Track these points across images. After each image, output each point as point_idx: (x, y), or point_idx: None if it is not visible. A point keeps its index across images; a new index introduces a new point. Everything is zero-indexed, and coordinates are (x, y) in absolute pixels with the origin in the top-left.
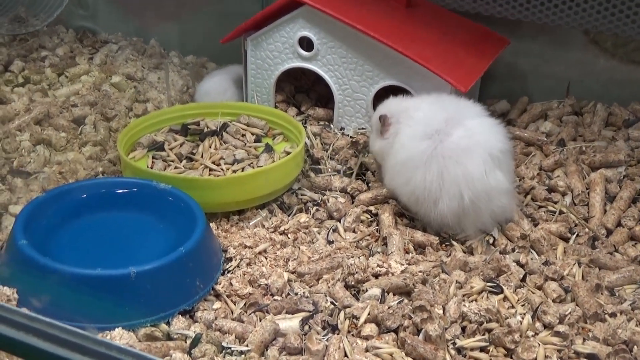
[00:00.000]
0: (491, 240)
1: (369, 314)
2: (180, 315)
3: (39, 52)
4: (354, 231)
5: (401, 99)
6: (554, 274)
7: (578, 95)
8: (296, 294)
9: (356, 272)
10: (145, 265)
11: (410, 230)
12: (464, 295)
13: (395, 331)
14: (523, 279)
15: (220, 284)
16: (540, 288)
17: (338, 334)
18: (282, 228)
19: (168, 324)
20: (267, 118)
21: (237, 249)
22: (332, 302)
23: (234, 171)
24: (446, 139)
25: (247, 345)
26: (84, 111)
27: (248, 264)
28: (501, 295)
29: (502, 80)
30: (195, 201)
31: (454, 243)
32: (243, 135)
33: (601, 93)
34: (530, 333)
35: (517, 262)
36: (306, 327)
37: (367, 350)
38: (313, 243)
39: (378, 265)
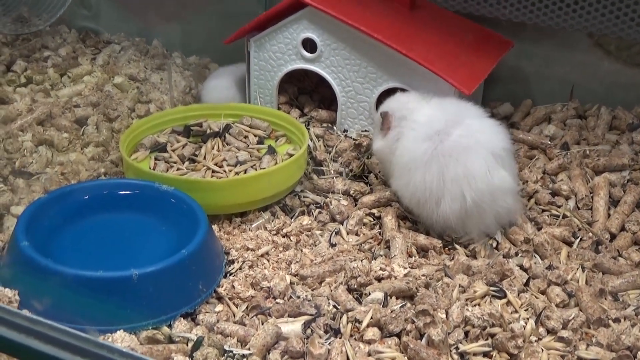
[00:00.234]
0: (494, 244)
1: (371, 318)
2: (182, 318)
3: (41, 52)
4: (356, 234)
5: (405, 97)
6: (557, 278)
7: (582, 98)
8: (298, 297)
9: (359, 276)
10: (147, 267)
11: (413, 233)
12: (467, 300)
13: (398, 335)
14: (526, 284)
15: (222, 287)
16: (543, 293)
17: (340, 338)
18: (284, 230)
19: (170, 326)
20: (270, 120)
21: (239, 252)
22: (334, 306)
23: (237, 173)
24: (446, 138)
25: (249, 349)
26: (86, 112)
27: (250, 267)
28: (504, 300)
29: (506, 83)
30: (198, 203)
31: (457, 247)
32: (246, 137)
33: (605, 96)
34: (533, 338)
35: (521, 266)
36: (308, 331)
37: (369, 355)
38: (315, 246)
39: (381, 269)
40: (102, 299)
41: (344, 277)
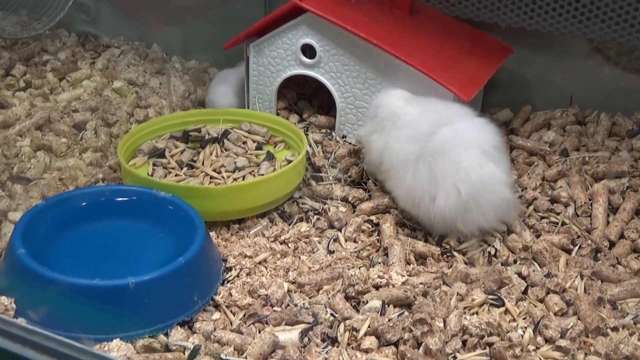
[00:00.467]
0: (493, 252)
1: (369, 327)
2: (178, 326)
3: (40, 56)
4: (354, 241)
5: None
6: (556, 286)
7: (582, 104)
8: (296, 305)
9: (356, 284)
10: (144, 275)
11: (411, 240)
12: (465, 308)
13: (395, 344)
14: (525, 292)
15: (219, 294)
16: (542, 301)
17: (338, 347)
18: (282, 237)
19: (166, 335)
20: (269, 125)
21: (237, 259)
22: (332, 314)
23: (235, 179)
24: (433, 137)
25: (245, 357)
26: (85, 116)
27: (248, 274)
28: (502, 308)
29: (506, 89)
30: (196, 210)
31: (455, 254)
32: (244, 143)
33: (605, 102)
34: (531, 347)
35: (519, 274)
36: (305, 339)
37: None
38: (313, 253)
39: (379, 277)
40: (98, 308)
41: (342, 284)
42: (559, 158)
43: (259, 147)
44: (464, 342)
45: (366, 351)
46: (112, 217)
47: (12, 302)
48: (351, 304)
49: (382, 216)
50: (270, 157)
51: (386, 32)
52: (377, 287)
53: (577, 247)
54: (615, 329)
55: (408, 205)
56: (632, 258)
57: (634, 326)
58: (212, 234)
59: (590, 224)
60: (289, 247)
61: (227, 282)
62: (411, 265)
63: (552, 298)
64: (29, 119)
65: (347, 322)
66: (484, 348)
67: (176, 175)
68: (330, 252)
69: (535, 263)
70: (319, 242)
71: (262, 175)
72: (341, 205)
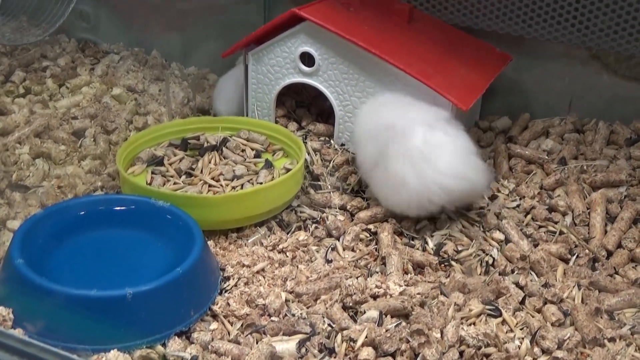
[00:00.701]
0: (490, 261)
1: (366, 337)
2: (176, 337)
3: (40, 62)
4: (352, 250)
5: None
6: (553, 296)
7: (580, 112)
8: (293, 315)
9: (354, 293)
10: (142, 286)
11: (409, 249)
12: (462, 318)
13: (393, 355)
14: (522, 302)
15: (217, 304)
16: (539, 311)
17: (335, 358)
18: (280, 246)
19: (164, 345)
20: (267, 133)
21: (235, 268)
22: (329, 324)
23: (234, 187)
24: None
25: None
26: (84, 124)
27: (246, 284)
28: (500, 319)
29: (504, 96)
30: (194, 219)
31: (453, 263)
32: (243, 151)
33: (604, 110)
34: (528, 359)
35: (517, 284)
36: (303, 350)
37: None
38: (311, 262)
39: (376, 286)
40: (96, 318)
41: (340, 294)
42: (557, 167)
43: (257, 155)
44: (461, 353)
45: None
46: (110, 226)
47: (10, 313)
48: (349, 314)
49: (380, 225)
50: (268, 165)
51: (385, 41)
52: (374, 297)
53: (574, 256)
54: (612, 340)
55: (389, 199)
56: (630, 268)
57: (631, 337)
58: (210, 242)
59: (588, 233)
60: (287, 256)
61: (225, 292)
62: (409, 274)
63: (549, 308)
64: (28, 126)
65: (345, 332)
66: (481, 359)
67: (175, 183)
68: (328, 261)
69: (532, 273)
70: (317, 251)
71: (261, 183)
72: (339, 213)
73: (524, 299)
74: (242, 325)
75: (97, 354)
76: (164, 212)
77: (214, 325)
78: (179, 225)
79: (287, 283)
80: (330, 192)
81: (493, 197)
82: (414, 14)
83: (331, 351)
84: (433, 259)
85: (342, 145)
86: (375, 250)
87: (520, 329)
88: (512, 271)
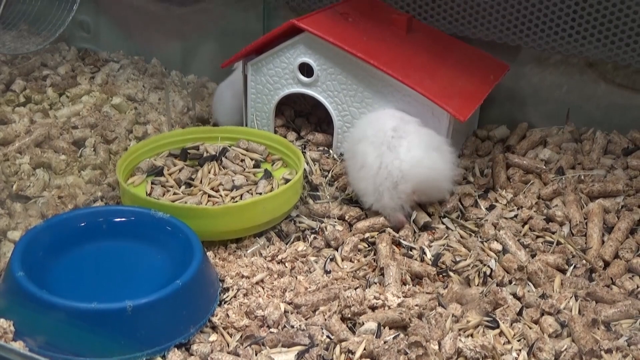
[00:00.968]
0: (488, 272)
1: (364, 349)
2: (176, 349)
3: (40, 70)
4: (351, 260)
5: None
6: (550, 308)
7: (578, 120)
8: (292, 327)
9: (352, 305)
10: (141, 299)
11: (407, 260)
12: (460, 330)
13: None
14: (519, 313)
15: (216, 316)
16: (536, 322)
17: None
18: (279, 257)
19: (164, 357)
20: (266, 143)
21: (234, 279)
22: (328, 336)
23: (233, 198)
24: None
25: None
26: (84, 133)
27: (245, 295)
28: (497, 330)
29: (502, 105)
30: (193, 231)
31: (451, 274)
32: (242, 161)
33: (601, 119)
34: None
35: (514, 295)
36: None
37: None
38: (310, 273)
39: (375, 298)
40: (96, 331)
41: (338, 306)
42: (554, 176)
43: (256, 165)
44: None
45: None
46: (110, 237)
47: (11, 325)
48: (347, 326)
49: (379, 236)
50: (267, 175)
51: (383, 51)
52: (373, 308)
53: (572, 267)
54: (609, 351)
55: (368, 196)
56: (627, 278)
57: (628, 348)
58: (210, 253)
59: (585, 243)
60: (286, 267)
61: (224, 303)
62: (407, 285)
63: (546, 319)
64: (28, 135)
65: (343, 344)
66: None
67: (174, 193)
68: (327, 272)
69: (530, 283)
70: (316, 262)
71: (260, 194)
72: (338, 224)
73: (521, 310)
74: (241, 336)
75: None
76: (164, 223)
77: (213, 336)
78: (178, 237)
79: (286, 294)
80: (329, 202)
81: (491, 207)
82: (412, 24)
83: None
84: (431, 270)
85: (341, 155)
86: (374, 260)
87: (518, 341)
88: (510, 282)
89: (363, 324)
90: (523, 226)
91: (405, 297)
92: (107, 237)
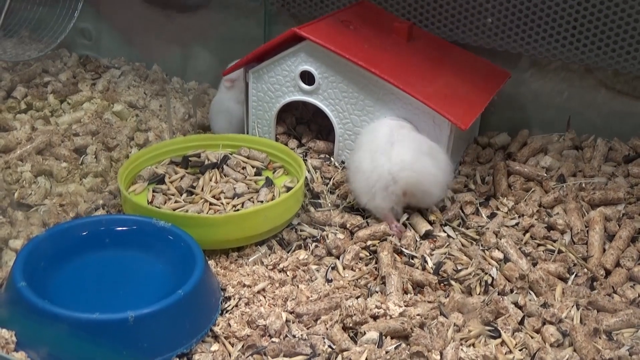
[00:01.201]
0: (490, 280)
1: (366, 359)
2: (177, 359)
3: (41, 77)
4: (352, 269)
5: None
6: (552, 317)
7: (578, 127)
8: (294, 336)
9: (354, 314)
10: (143, 309)
11: (409, 268)
12: (461, 339)
13: None
14: (521, 322)
15: (218, 325)
16: (538, 332)
17: None
18: (281, 265)
19: None
20: (268, 151)
21: (235, 288)
22: (329, 346)
23: (234, 206)
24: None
25: None
26: (85, 140)
27: (246, 304)
28: (499, 340)
29: (503, 111)
30: (195, 241)
31: (453, 283)
32: (244, 168)
33: (602, 125)
34: None
35: (516, 304)
36: None
37: None
38: (312, 281)
39: (376, 307)
40: (98, 342)
41: (340, 315)
42: (555, 184)
43: (258, 173)
44: None
45: None
46: (111, 247)
47: (13, 336)
48: (349, 335)
49: (380, 244)
50: (269, 183)
51: (384, 60)
52: (374, 317)
53: (573, 275)
54: None
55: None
56: (628, 287)
57: (630, 357)
58: (211, 262)
59: (587, 251)
60: (288, 276)
61: (226, 312)
62: (409, 294)
63: (548, 329)
64: (29, 143)
65: (345, 354)
66: None
67: (176, 201)
68: (329, 281)
69: (531, 292)
70: (317, 271)
71: (261, 202)
72: (339, 232)
73: (523, 319)
74: (243, 346)
75: None
76: (166, 232)
77: (215, 346)
78: (180, 246)
79: (288, 303)
80: (330, 210)
81: (492, 215)
82: (413, 32)
83: None
84: (432, 279)
85: (342, 162)
86: (375, 269)
87: (520, 350)
88: (511, 291)
89: (365, 333)
90: (524, 234)
91: (406, 306)
92: (108, 246)
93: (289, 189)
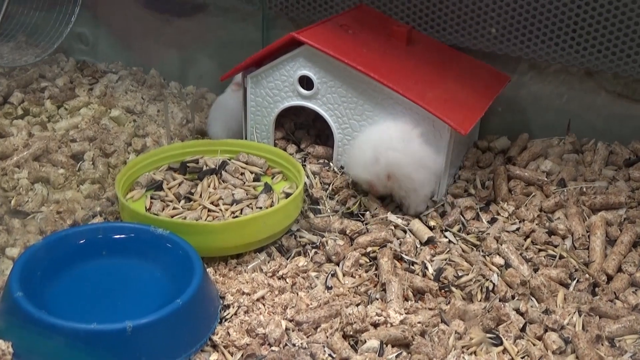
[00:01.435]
0: (491, 287)
1: None
2: None
3: (38, 82)
4: (352, 276)
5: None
6: (554, 324)
7: (578, 130)
8: (294, 345)
9: (354, 322)
10: (141, 319)
11: (409, 275)
12: (463, 347)
13: None
14: (523, 329)
15: (217, 334)
16: (540, 339)
17: None
18: (280, 272)
19: None
20: (266, 156)
21: (234, 296)
22: (330, 354)
23: (233, 212)
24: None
25: None
26: (82, 146)
27: (246, 312)
28: (501, 347)
29: (503, 115)
30: (194, 248)
31: (453, 289)
32: (242, 174)
33: (602, 128)
34: None
35: (517, 310)
36: None
37: None
38: (312, 289)
39: (377, 314)
40: (96, 353)
41: (340, 323)
42: (556, 188)
43: (256, 179)
44: None
45: None
46: (109, 255)
47: (10, 347)
48: (349, 343)
49: (380, 250)
50: (268, 189)
51: (383, 64)
52: (375, 325)
53: (574, 281)
54: None
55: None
56: (630, 293)
57: None
58: (210, 269)
59: (588, 257)
60: (287, 283)
61: (225, 321)
62: (409, 301)
63: (550, 336)
64: (26, 149)
65: None
66: None
67: (174, 208)
68: (328, 288)
69: (533, 298)
70: (317, 278)
71: (260, 208)
72: (339, 238)
73: (524, 326)
74: (242, 355)
75: None
76: (164, 240)
77: (214, 356)
78: (178, 254)
79: (287, 311)
80: (329, 216)
81: (493, 220)
82: (412, 36)
83: None
84: (433, 285)
85: (342, 168)
86: (375, 276)
87: (522, 358)
88: (513, 297)
89: (365, 342)
90: (525, 239)
91: (407, 313)
92: (106, 254)
93: (287, 194)
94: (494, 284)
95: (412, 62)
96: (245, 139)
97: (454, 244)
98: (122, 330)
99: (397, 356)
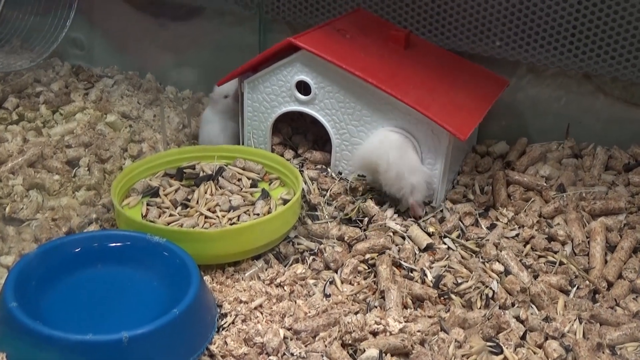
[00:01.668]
0: (490, 294)
1: None
2: None
3: (33, 87)
4: (351, 283)
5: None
6: (554, 331)
7: (577, 134)
8: (292, 354)
9: (353, 331)
10: (138, 329)
11: (408, 282)
12: (463, 356)
13: None
14: (523, 337)
15: (214, 344)
16: (540, 347)
17: None
18: (278, 280)
19: None
20: (263, 162)
21: (232, 304)
22: None
23: (230, 219)
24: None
25: None
26: (78, 152)
27: (243, 321)
28: (501, 356)
29: (501, 119)
30: (190, 257)
31: (453, 296)
32: (239, 180)
33: (601, 133)
34: None
35: (517, 318)
36: None
37: None
38: (310, 296)
39: (376, 322)
40: None
41: (339, 331)
42: (555, 194)
43: (254, 185)
44: None
45: None
46: (105, 263)
47: (4, 358)
48: (348, 352)
49: (379, 257)
50: (265, 195)
51: (381, 69)
52: (374, 333)
53: (575, 287)
54: None
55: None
56: (631, 299)
57: None
58: (207, 277)
59: (588, 263)
60: (285, 291)
61: (222, 330)
62: (408, 309)
63: (550, 344)
64: (21, 155)
65: None
66: None
67: (170, 215)
68: (327, 296)
69: (533, 306)
70: (315, 285)
71: (257, 214)
72: (337, 245)
73: (525, 333)
74: None
75: None
76: (160, 248)
77: None
78: (175, 262)
79: (286, 319)
80: (327, 222)
81: (492, 226)
82: (410, 40)
83: None
84: (432, 292)
85: (339, 173)
86: (374, 283)
87: None
88: (513, 304)
89: (364, 351)
90: (525, 246)
91: (406, 321)
92: (102, 263)
93: (285, 201)
94: (493, 291)
95: (410, 67)
96: (242, 144)
97: (453, 250)
98: (119, 341)
99: None
